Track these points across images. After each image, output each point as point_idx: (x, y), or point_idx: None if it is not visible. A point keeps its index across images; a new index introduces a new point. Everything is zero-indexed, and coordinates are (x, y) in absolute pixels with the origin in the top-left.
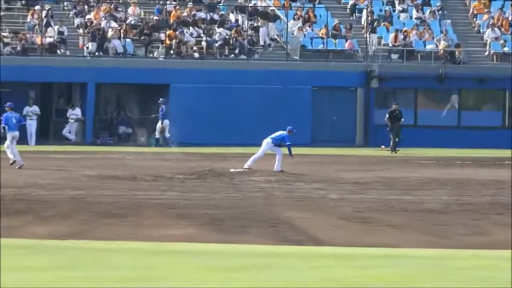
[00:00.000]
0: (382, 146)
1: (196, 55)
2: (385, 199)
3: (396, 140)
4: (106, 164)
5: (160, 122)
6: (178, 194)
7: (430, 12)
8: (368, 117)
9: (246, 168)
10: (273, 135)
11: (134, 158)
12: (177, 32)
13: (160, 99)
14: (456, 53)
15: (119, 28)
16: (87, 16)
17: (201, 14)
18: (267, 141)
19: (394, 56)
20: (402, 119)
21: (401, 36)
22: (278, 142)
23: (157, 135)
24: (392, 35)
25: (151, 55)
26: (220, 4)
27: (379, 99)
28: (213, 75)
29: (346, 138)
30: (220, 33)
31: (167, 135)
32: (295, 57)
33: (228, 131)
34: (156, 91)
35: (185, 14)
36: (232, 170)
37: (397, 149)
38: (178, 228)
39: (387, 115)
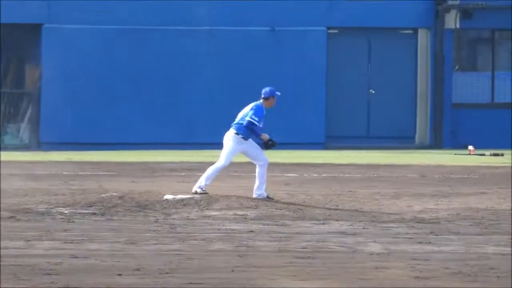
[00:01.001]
0: (471, 148)
1: None
2: (478, 254)
3: None
4: None
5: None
6: (61, 250)
7: None
8: (441, 89)
9: (198, 192)
10: (238, 118)
11: None
12: None
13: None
14: None
15: None
16: None
17: None
18: (230, 135)
19: None
20: None
21: None
22: (247, 132)
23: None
24: None
25: None
26: None
27: (460, 54)
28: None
29: (397, 132)
30: None
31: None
32: None
33: (154, 118)
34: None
35: None
36: (168, 196)
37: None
38: None
39: None
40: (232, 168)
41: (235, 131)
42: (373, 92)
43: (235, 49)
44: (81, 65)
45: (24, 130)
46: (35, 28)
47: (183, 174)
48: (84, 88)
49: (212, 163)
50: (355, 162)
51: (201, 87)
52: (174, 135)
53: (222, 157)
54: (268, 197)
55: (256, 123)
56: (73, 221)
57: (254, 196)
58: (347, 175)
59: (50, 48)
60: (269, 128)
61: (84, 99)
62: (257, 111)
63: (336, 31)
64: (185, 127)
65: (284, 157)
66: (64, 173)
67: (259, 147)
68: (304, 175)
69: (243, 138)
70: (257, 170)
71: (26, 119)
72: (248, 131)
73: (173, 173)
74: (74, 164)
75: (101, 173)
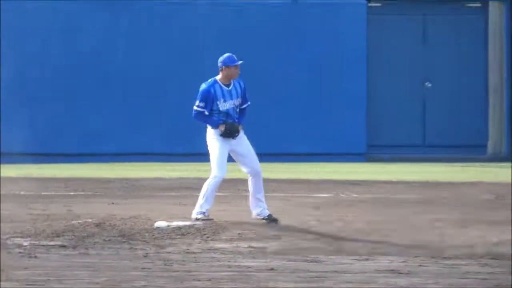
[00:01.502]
0: None
1: None
2: None
3: None
4: None
5: None
6: None
7: None
8: None
9: (199, 219)
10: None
11: None
12: None
13: None
14: None
15: None
16: None
17: None
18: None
19: None
20: None
21: None
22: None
23: None
24: None
25: None
26: None
27: None
28: None
29: (463, 140)
30: None
31: None
32: None
33: (139, 121)
34: None
35: None
36: (160, 224)
37: None
38: None
39: None
40: (243, 185)
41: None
42: (430, 85)
43: (247, 27)
44: (44, 51)
45: None
46: None
47: (179, 193)
48: (47, 81)
49: None
50: (407, 178)
51: (201, 77)
52: (165, 143)
53: (212, 166)
54: (268, 219)
55: (201, 110)
56: (36, 256)
57: (255, 215)
58: (396, 196)
59: (9, 29)
60: (291, 133)
61: (47, 96)
62: (199, 94)
63: (379, 4)
64: (179, 132)
65: (313, 172)
66: (22, 193)
67: (249, 147)
68: (340, 195)
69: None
70: (249, 183)
71: None
72: (201, 122)
73: (166, 193)
74: (36, 181)
75: (71, 193)
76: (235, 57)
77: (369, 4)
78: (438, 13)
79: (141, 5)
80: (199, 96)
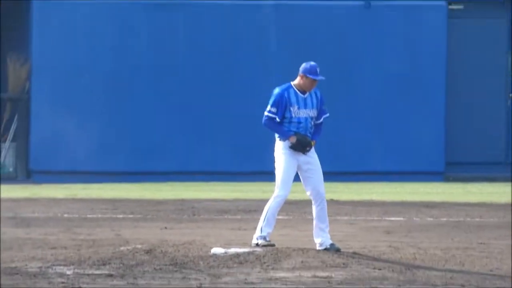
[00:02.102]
0: None
1: None
2: None
3: None
4: None
5: None
6: None
7: None
8: None
9: (260, 244)
10: None
11: None
12: None
13: None
14: None
15: None
16: None
17: None
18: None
19: None
20: None
21: None
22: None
23: None
24: None
25: None
26: None
27: None
28: None
29: None
30: None
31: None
32: None
33: (196, 135)
34: None
35: None
36: (216, 250)
37: None
38: None
39: None
40: (309, 207)
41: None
42: None
43: (315, 31)
44: (93, 57)
45: (6, 152)
46: (19, 4)
47: (238, 217)
48: (91, 90)
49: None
50: (490, 200)
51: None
52: (229, 160)
53: (276, 184)
54: (335, 248)
55: (272, 116)
56: (80, 287)
57: (319, 247)
58: (477, 219)
59: (43, 32)
60: (364, 150)
61: (92, 107)
62: (272, 97)
63: (461, 6)
64: (245, 148)
65: (385, 192)
66: (65, 215)
67: (318, 166)
68: (414, 219)
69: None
70: (314, 210)
71: (9, 137)
72: (271, 131)
73: (224, 216)
74: (80, 202)
75: (119, 215)
76: (318, 70)
77: (450, 7)
78: None
79: (201, 6)
80: (271, 100)
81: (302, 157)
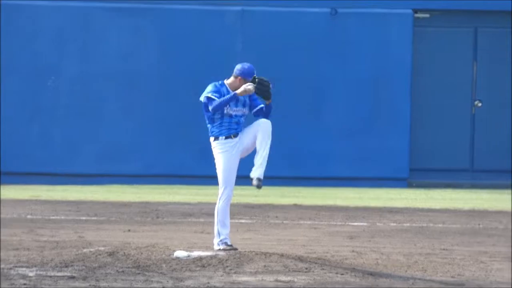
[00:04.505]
0: None
1: None
2: None
3: None
4: None
5: None
6: None
7: None
8: None
9: (223, 248)
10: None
11: None
12: None
13: None
14: None
15: None
16: None
17: None
18: (212, 147)
19: None
20: None
21: None
22: (215, 122)
23: None
24: None
25: None
26: None
27: None
28: None
29: (511, 163)
30: None
31: None
32: None
33: (163, 139)
34: None
35: None
36: (179, 253)
37: None
38: None
39: None
40: (273, 212)
41: (210, 135)
42: (480, 105)
43: (282, 38)
44: (59, 58)
45: None
46: None
47: (201, 220)
48: (57, 92)
49: (245, 205)
50: (452, 206)
51: None
52: (191, 164)
53: (219, 183)
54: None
55: (215, 97)
56: None
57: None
58: (440, 225)
59: (11, 33)
60: (329, 156)
61: (57, 109)
62: (210, 86)
63: (427, 15)
64: (206, 153)
65: (348, 198)
66: (28, 217)
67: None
68: (378, 224)
69: (224, 138)
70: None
71: None
72: (213, 118)
73: (188, 219)
74: (44, 204)
75: (83, 218)
76: (255, 72)
77: (416, 15)
78: (491, 25)
79: (168, 11)
80: (209, 89)
81: (238, 146)
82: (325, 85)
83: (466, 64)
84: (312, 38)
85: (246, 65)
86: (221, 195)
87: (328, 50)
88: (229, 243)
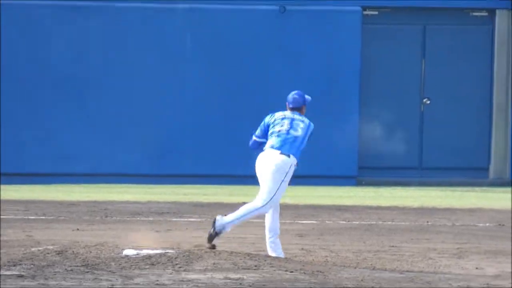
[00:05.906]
0: None
1: None
2: None
3: None
4: None
5: None
6: None
7: None
8: None
9: (213, 233)
10: (285, 131)
11: None
12: None
13: None
14: None
15: None
16: None
17: None
18: (282, 160)
19: None
20: None
21: None
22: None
23: None
24: None
25: None
26: None
27: None
28: None
29: (462, 162)
30: None
31: None
32: None
33: (110, 138)
34: None
35: None
36: (128, 252)
37: None
38: None
39: None
40: (223, 210)
41: (295, 156)
42: (429, 102)
43: (230, 35)
44: (5, 58)
45: None
46: None
47: (150, 218)
48: (7, 92)
49: (195, 203)
50: (401, 204)
51: (185, 90)
52: (140, 162)
53: (267, 196)
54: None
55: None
56: None
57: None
58: (388, 222)
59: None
60: None
61: (7, 108)
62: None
63: (375, 12)
64: (155, 151)
65: (297, 196)
66: None
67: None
68: (327, 222)
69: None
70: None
71: None
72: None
73: (137, 217)
74: None
75: (31, 217)
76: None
77: (365, 12)
78: (440, 22)
79: (116, 9)
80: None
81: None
82: (273, 82)
83: (415, 61)
84: (261, 35)
85: (300, 93)
86: (261, 207)
87: (277, 48)
88: (219, 232)
